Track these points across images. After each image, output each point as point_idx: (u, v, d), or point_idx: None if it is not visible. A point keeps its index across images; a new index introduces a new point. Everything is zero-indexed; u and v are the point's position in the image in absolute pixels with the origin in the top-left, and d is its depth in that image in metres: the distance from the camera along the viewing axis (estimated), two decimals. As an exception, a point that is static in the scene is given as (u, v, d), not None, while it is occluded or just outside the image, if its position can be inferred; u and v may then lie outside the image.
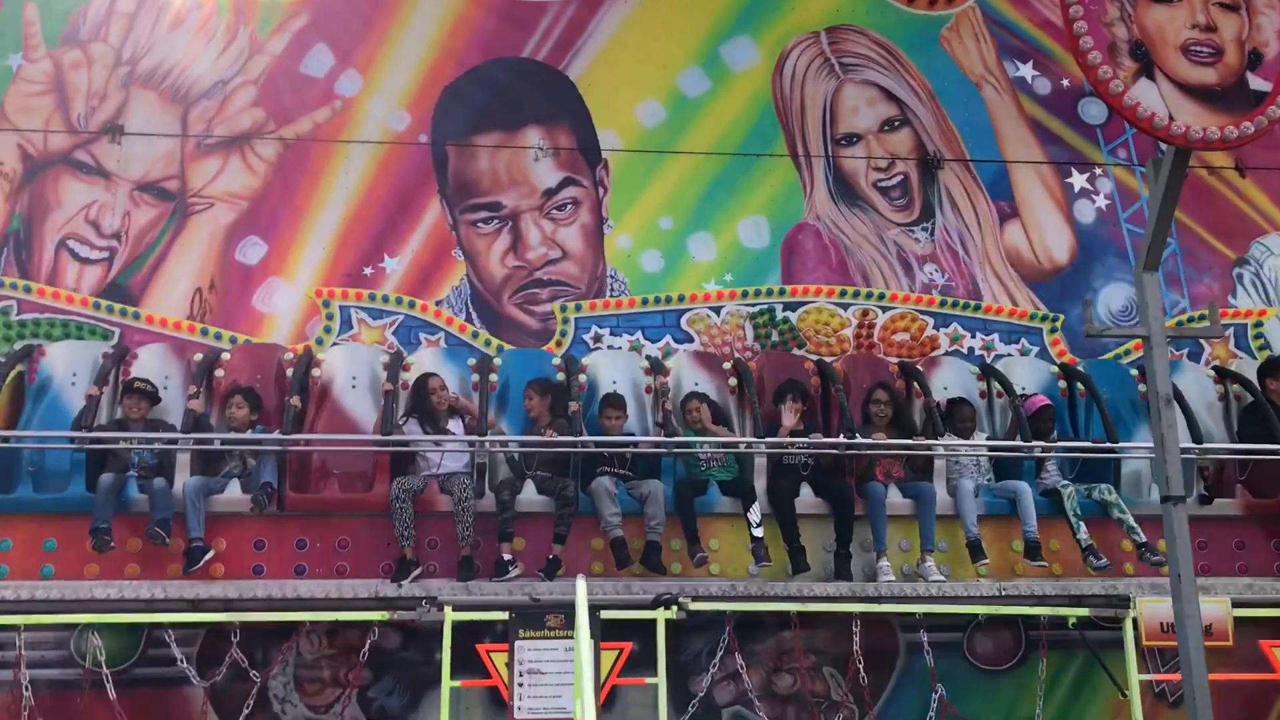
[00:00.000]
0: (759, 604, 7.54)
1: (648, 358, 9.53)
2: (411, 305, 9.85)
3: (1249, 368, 9.78)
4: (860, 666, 7.54)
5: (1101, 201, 10.98)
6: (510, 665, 6.39)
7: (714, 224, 10.50)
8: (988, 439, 8.86)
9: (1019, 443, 8.56)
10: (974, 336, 10.38)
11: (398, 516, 7.61)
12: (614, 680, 6.73)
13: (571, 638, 6.33)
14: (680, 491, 8.01)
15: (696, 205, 10.53)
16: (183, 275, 9.84)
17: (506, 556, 7.65)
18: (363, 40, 10.54)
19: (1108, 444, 8.63)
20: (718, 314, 10.17)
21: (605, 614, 6.86)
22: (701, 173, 10.57)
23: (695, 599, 7.24)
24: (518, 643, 6.43)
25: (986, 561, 8.02)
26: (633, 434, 8.60)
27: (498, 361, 9.17)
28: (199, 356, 8.84)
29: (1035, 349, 10.33)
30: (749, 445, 8.38)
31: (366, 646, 7.29)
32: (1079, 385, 9.29)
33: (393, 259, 10.09)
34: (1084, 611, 7.77)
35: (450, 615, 6.94)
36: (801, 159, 10.76)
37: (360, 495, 8.11)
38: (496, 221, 10.31)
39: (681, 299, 10.14)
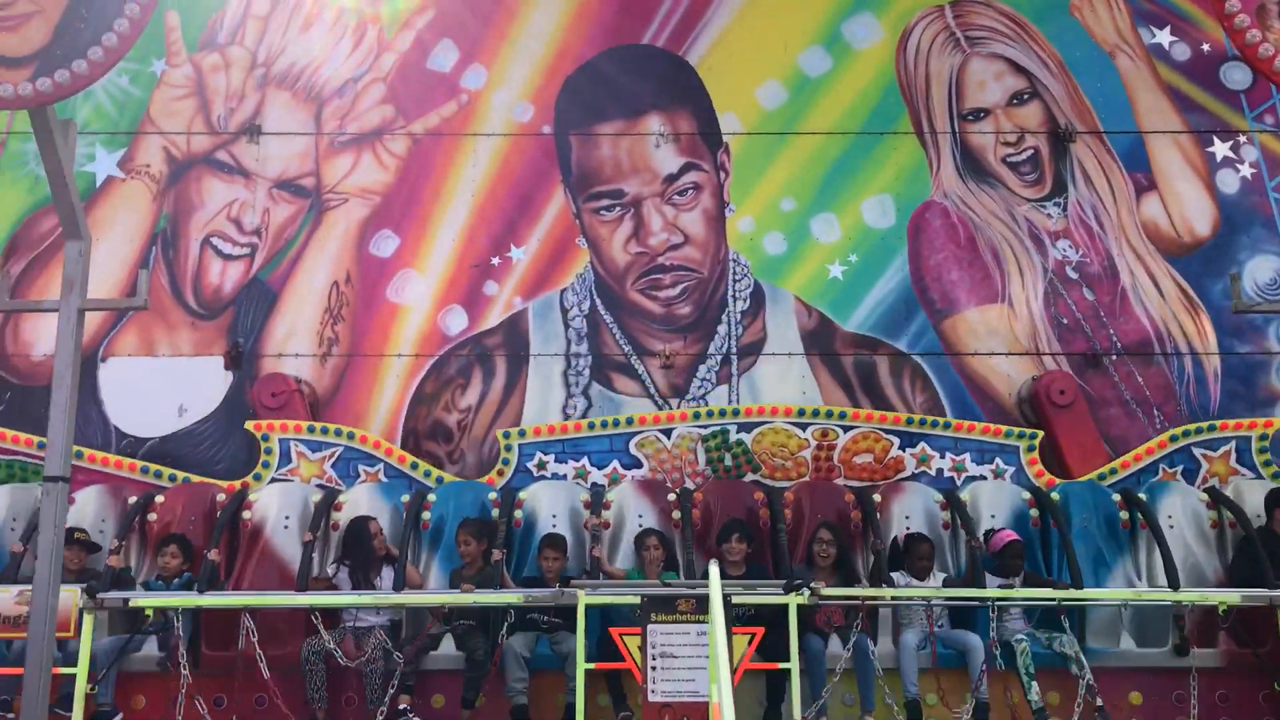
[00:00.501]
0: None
1: (592, 485, 9.17)
2: (351, 437, 9.38)
3: (1250, 487, 8.84)
4: None
5: (1247, 170, 10.51)
6: (643, 649, 6.46)
7: (837, 204, 10.40)
8: (946, 579, 8.17)
9: (971, 590, 7.86)
10: (943, 457, 9.39)
11: (308, 679, 7.54)
12: (746, 665, 6.75)
13: (702, 622, 6.38)
14: (607, 643, 7.31)
15: (819, 186, 10.43)
16: (320, 269, 10.19)
17: (402, 707, 7.51)
18: (485, 34, 10.72)
19: (1071, 592, 7.81)
20: (668, 437, 9.51)
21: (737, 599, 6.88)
22: (824, 153, 10.48)
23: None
24: (650, 626, 6.49)
25: None
26: (571, 575, 8.12)
27: (432, 498, 8.86)
28: (134, 499, 8.81)
29: (1011, 468, 9.34)
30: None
31: None
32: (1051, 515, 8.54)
33: (519, 249, 10.26)
34: (1235, 599, 7.52)
35: (583, 599, 7.06)
36: (927, 136, 10.56)
37: (277, 651, 7.78)
38: (619, 209, 10.39)
39: (630, 422, 9.52)
